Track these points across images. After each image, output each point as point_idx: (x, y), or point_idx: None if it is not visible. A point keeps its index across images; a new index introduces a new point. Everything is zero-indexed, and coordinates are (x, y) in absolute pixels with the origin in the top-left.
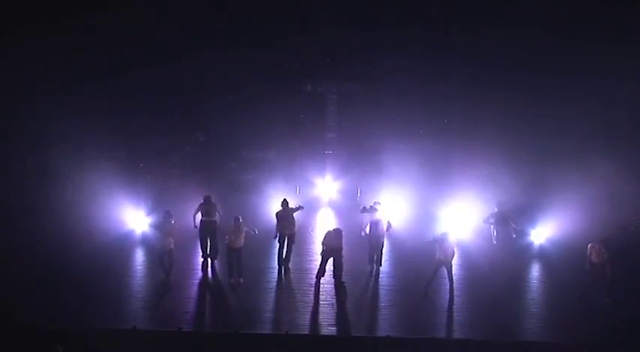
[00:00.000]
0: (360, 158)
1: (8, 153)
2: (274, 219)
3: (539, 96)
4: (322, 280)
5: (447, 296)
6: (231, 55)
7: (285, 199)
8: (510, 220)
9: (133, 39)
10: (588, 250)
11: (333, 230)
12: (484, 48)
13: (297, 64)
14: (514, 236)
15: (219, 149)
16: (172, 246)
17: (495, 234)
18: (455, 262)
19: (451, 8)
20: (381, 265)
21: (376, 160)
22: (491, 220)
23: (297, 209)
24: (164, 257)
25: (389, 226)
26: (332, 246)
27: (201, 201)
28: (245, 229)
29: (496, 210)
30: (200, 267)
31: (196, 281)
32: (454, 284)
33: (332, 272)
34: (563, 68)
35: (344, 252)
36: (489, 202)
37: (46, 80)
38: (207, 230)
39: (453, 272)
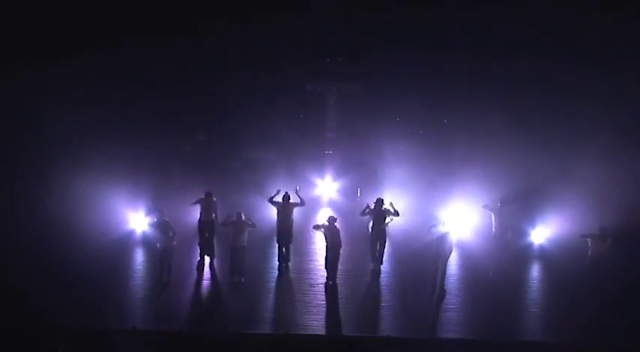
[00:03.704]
0: (360, 158)
1: (9, 154)
2: (273, 213)
3: (538, 97)
4: (322, 280)
5: (450, 295)
6: (231, 56)
7: (286, 193)
8: (513, 219)
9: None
10: (589, 243)
11: (329, 220)
12: (484, 49)
13: (297, 65)
14: (509, 234)
15: (220, 149)
16: (174, 243)
17: (495, 225)
18: (455, 262)
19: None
20: (382, 263)
21: (376, 160)
22: (493, 210)
23: (298, 204)
24: (165, 255)
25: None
26: (333, 239)
27: (202, 196)
28: (247, 227)
29: (499, 205)
30: (195, 267)
31: (196, 281)
32: (445, 280)
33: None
34: (564, 71)
35: (344, 251)
36: (488, 203)
37: (50, 82)
38: (205, 229)
39: (453, 271)
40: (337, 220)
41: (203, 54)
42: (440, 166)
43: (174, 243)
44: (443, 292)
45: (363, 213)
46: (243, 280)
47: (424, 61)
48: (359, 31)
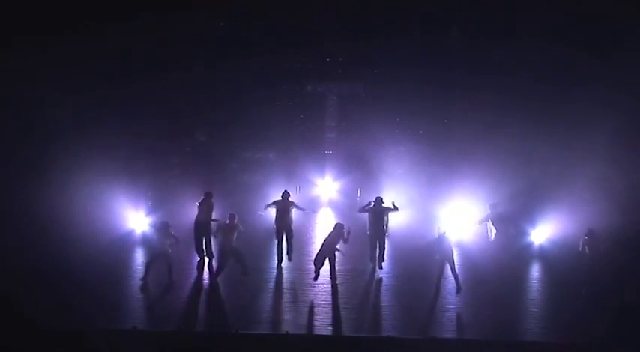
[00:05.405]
0: (359, 158)
1: (9, 154)
2: (272, 210)
3: (539, 97)
4: (322, 280)
5: (450, 295)
6: (232, 57)
7: (286, 191)
8: (509, 221)
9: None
10: (581, 245)
11: (336, 227)
12: (483, 50)
13: (298, 65)
14: (512, 233)
15: (220, 149)
16: (169, 248)
17: (492, 232)
18: (455, 262)
19: (452, 11)
20: (383, 260)
21: (376, 160)
22: (486, 220)
23: (298, 207)
24: (160, 258)
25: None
26: (330, 244)
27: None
28: (240, 228)
29: (489, 211)
30: (195, 267)
31: (196, 281)
32: (459, 281)
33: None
34: (564, 71)
35: (345, 251)
36: (486, 202)
37: (51, 82)
38: (201, 231)
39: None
40: (344, 227)
41: (202, 51)
42: (440, 163)
43: (170, 250)
44: (459, 290)
45: (362, 210)
46: (246, 277)
47: (423, 55)
48: (358, 23)
